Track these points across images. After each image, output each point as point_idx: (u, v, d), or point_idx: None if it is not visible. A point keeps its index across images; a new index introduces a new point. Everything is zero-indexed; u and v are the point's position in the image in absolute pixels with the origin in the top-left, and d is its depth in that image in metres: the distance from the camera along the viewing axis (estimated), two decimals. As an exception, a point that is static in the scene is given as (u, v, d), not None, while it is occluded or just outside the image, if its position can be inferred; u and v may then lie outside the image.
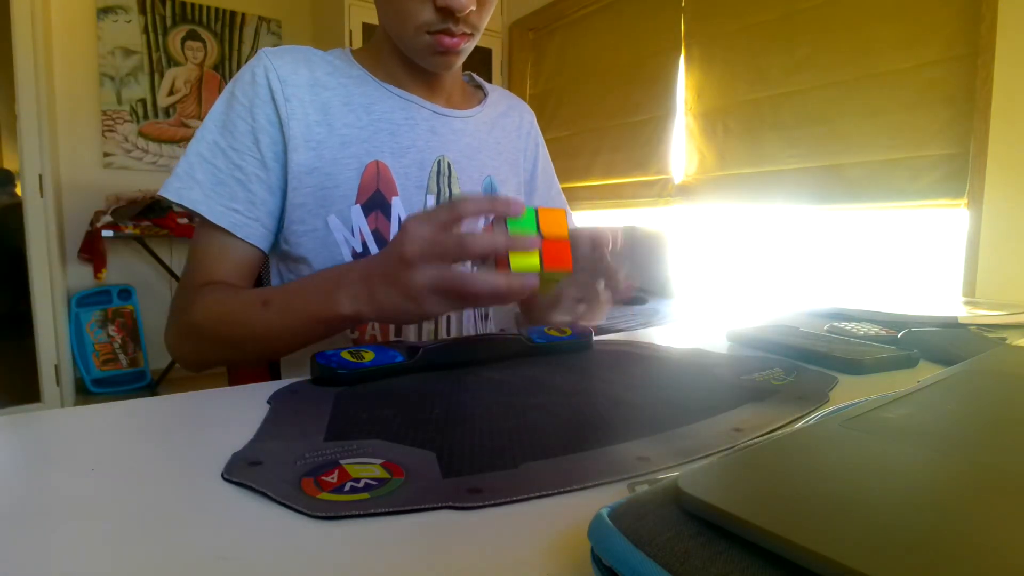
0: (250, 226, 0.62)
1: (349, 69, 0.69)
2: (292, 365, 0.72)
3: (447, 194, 0.70)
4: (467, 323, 0.73)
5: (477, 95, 0.81)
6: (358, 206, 0.65)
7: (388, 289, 0.49)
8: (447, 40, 0.61)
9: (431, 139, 0.70)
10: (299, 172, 0.64)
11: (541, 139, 0.88)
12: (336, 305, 0.51)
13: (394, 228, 0.67)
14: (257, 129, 0.62)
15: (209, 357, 0.60)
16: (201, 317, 0.57)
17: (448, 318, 0.71)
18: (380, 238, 0.66)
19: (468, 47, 0.65)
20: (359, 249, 0.66)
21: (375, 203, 0.66)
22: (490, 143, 0.76)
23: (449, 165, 0.71)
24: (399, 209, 0.67)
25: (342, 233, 0.65)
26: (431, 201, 0.69)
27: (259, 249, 0.64)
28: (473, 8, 0.60)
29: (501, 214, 0.48)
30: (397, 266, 0.47)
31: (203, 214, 0.60)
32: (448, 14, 0.59)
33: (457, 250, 0.46)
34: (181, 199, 0.60)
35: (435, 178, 0.70)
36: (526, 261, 0.48)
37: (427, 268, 0.46)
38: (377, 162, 0.66)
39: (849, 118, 1.78)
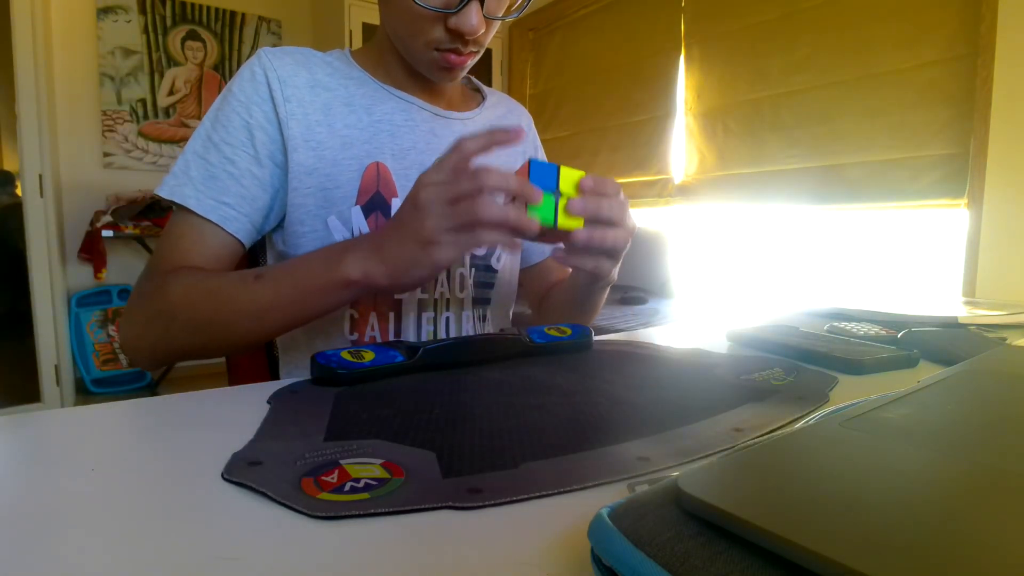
0: (239, 220, 0.61)
1: (349, 71, 0.69)
2: (292, 365, 0.72)
3: None
4: (466, 324, 0.73)
5: (476, 98, 0.81)
6: (358, 207, 0.65)
7: (399, 240, 0.49)
8: (454, 58, 0.63)
9: (431, 140, 0.71)
10: (299, 172, 0.64)
11: (539, 142, 0.89)
12: (342, 269, 0.50)
13: None
14: (252, 125, 0.62)
15: (176, 344, 0.56)
16: (176, 298, 0.54)
17: (447, 319, 0.71)
18: None
19: (472, 63, 0.66)
20: None
21: (375, 204, 0.66)
22: None
23: None
24: None
25: (342, 234, 0.65)
26: None
27: (241, 244, 0.63)
28: (482, 30, 0.60)
29: (502, 143, 0.49)
30: (409, 214, 0.48)
31: (193, 208, 0.59)
32: (458, 35, 0.60)
33: (471, 185, 0.47)
34: (174, 196, 0.60)
35: None
36: (539, 212, 0.49)
37: (440, 207, 0.47)
38: (377, 163, 0.67)
39: (849, 118, 1.78)
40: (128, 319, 0.58)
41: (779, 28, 1.96)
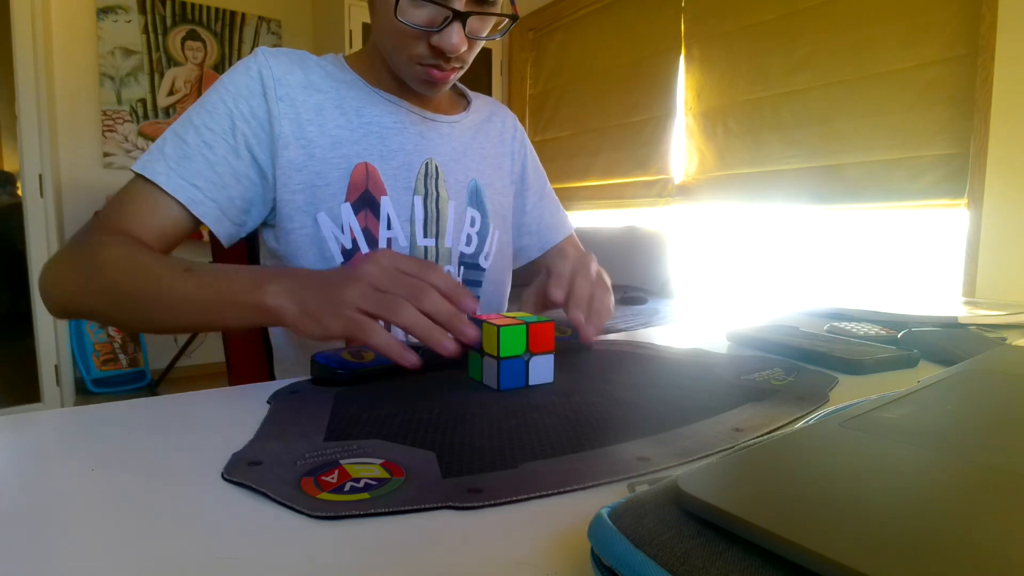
0: (205, 204, 0.61)
1: (342, 74, 0.70)
2: (289, 365, 0.73)
3: (434, 195, 0.72)
4: None
5: (462, 102, 0.83)
6: (348, 204, 0.67)
7: (319, 294, 0.47)
8: (437, 73, 0.64)
9: (419, 143, 0.72)
10: (290, 169, 0.65)
11: (527, 140, 0.90)
12: (262, 293, 0.48)
13: (383, 226, 0.68)
14: (236, 116, 0.63)
15: (89, 304, 0.55)
16: (104, 260, 0.54)
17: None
18: (370, 236, 0.68)
19: (456, 77, 0.67)
20: (348, 246, 0.67)
21: (365, 202, 0.68)
22: (475, 147, 0.78)
23: (436, 168, 0.73)
24: (388, 208, 0.69)
25: (331, 230, 0.66)
26: (418, 201, 0.71)
27: (192, 226, 0.62)
28: (464, 48, 0.61)
29: (458, 301, 0.47)
30: (342, 277, 0.46)
31: (162, 186, 0.59)
32: (440, 52, 0.61)
33: (412, 292, 0.45)
34: (144, 170, 0.59)
35: (422, 179, 0.71)
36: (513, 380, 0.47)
37: (369, 290, 0.45)
38: (366, 164, 0.68)
39: (849, 118, 1.78)
40: (55, 262, 0.57)
41: (779, 28, 1.96)
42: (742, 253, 2.20)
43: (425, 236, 0.71)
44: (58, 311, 0.58)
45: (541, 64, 3.02)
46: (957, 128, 1.55)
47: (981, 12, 1.47)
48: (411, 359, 0.44)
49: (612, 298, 0.62)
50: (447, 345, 0.44)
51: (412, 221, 0.70)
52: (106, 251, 0.55)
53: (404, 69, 0.65)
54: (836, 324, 0.74)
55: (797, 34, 1.91)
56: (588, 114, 2.74)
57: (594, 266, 0.60)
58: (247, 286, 0.50)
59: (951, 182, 1.57)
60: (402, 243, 0.69)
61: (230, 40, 3.16)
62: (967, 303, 0.93)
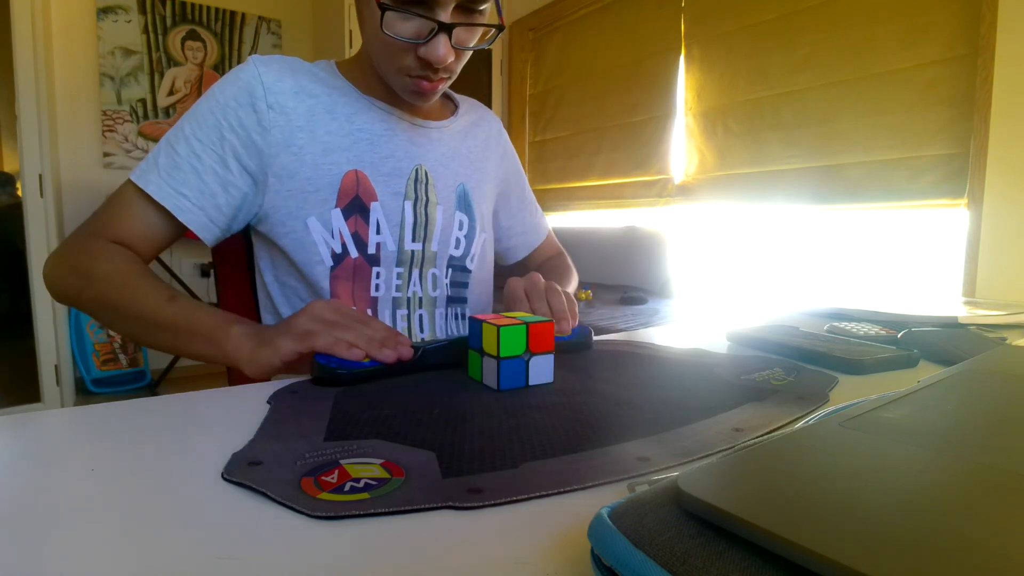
0: (193, 212, 0.64)
1: (333, 80, 0.71)
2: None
3: (424, 200, 0.73)
4: (439, 321, 0.76)
5: (449, 106, 0.84)
6: (338, 210, 0.68)
7: (279, 329, 0.52)
8: (426, 84, 0.65)
9: (409, 149, 0.73)
10: (281, 175, 0.66)
11: (510, 144, 0.92)
12: (224, 332, 0.54)
13: (372, 231, 0.69)
14: (224, 128, 0.64)
15: (83, 305, 0.61)
16: (101, 272, 0.59)
17: (420, 317, 0.73)
18: (359, 240, 0.69)
19: (445, 87, 0.68)
20: (338, 250, 0.68)
21: (355, 207, 0.69)
22: (463, 152, 0.80)
23: (426, 173, 0.74)
24: (378, 213, 0.70)
25: (321, 235, 0.68)
26: (408, 206, 0.71)
27: (178, 231, 0.66)
28: (451, 59, 0.62)
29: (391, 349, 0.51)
30: (301, 313, 0.53)
31: (152, 195, 0.62)
32: (427, 64, 0.62)
33: (355, 326, 0.51)
34: (139, 181, 0.63)
35: (413, 185, 0.72)
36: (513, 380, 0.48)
37: (317, 321, 0.51)
38: (356, 171, 0.69)
39: (849, 118, 1.78)
40: (57, 259, 0.62)
41: (779, 28, 1.96)
42: (742, 253, 2.20)
43: (413, 240, 0.72)
44: (61, 302, 0.64)
45: (541, 64, 3.02)
46: (957, 128, 1.55)
47: (981, 12, 1.46)
48: (358, 355, 0.49)
49: (571, 291, 0.68)
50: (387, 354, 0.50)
51: (402, 226, 0.71)
52: (102, 264, 0.60)
53: (393, 80, 0.66)
54: (836, 324, 0.74)
55: (797, 34, 1.91)
56: (588, 114, 2.74)
57: (542, 281, 0.64)
58: (215, 323, 0.55)
59: (951, 182, 1.57)
60: (390, 247, 0.70)
61: (230, 40, 3.16)
62: (967, 303, 0.93)
